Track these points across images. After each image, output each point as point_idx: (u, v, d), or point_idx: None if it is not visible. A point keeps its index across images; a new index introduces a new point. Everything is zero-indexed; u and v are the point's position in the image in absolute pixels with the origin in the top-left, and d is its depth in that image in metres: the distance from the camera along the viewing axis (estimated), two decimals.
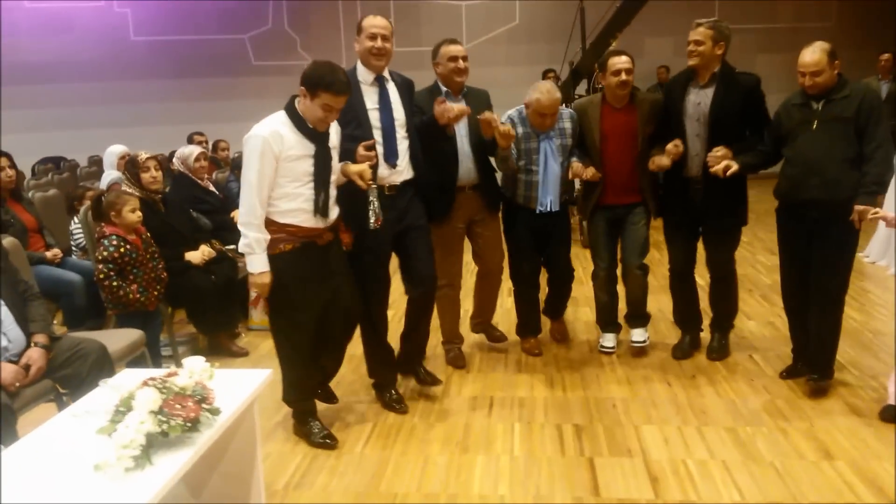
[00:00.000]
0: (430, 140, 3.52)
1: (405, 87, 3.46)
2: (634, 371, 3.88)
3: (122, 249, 3.80)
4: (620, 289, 4.11)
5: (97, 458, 1.91)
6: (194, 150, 5.11)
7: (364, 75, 3.29)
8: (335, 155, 3.07)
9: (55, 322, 4.60)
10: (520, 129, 3.85)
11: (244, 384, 2.53)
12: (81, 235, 4.59)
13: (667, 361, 3.99)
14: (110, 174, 5.72)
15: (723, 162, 3.51)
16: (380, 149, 3.26)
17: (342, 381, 3.86)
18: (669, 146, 3.65)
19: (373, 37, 3.22)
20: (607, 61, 3.84)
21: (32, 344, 2.82)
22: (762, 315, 4.70)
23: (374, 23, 3.26)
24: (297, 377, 3.16)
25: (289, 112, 2.93)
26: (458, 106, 3.37)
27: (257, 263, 2.93)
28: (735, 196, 3.72)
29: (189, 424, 2.06)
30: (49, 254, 4.35)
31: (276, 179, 2.90)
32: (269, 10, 9.68)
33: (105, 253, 3.78)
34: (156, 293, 3.95)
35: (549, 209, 3.89)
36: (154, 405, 2.05)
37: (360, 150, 3.15)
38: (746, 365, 3.90)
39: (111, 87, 9.51)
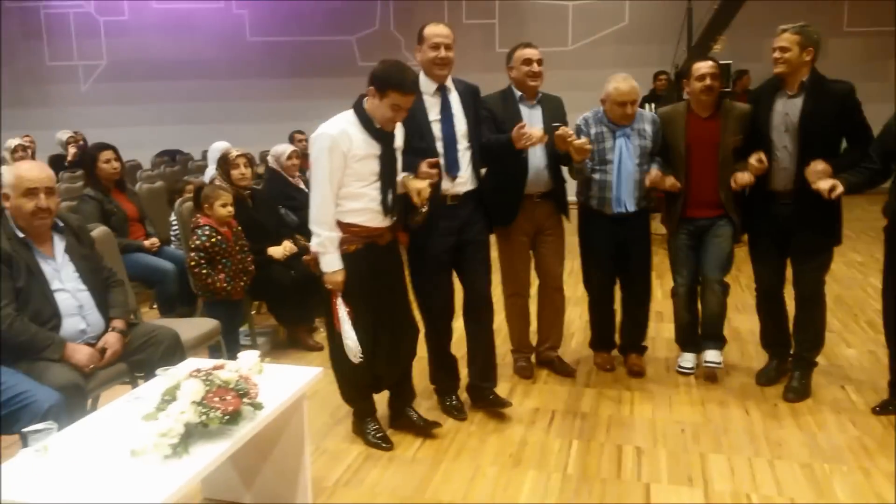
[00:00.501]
0: (502, 155, 3.46)
1: (469, 94, 3.37)
2: (711, 394, 3.67)
3: (213, 240, 4.00)
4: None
5: (137, 444, 2.00)
6: (287, 148, 5.31)
7: (426, 86, 3.22)
8: (399, 156, 3.08)
9: (153, 307, 4.92)
10: (594, 130, 3.73)
11: (293, 380, 2.60)
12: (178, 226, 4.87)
13: (748, 387, 3.75)
14: (212, 169, 6.02)
15: (828, 181, 3.22)
16: (441, 160, 3.20)
17: None
18: (752, 160, 3.46)
19: (436, 46, 3.17)
20: (692, 66, 3.69)
21: (111, 329, 2.99)
22: (863, 343, 4.34)
23: (437, 31, 3.21)
24: (351, 376, 3.16)
25: (357, 112, 2.94)
26: (536, 132, 3.27)
27: (331, 262, 2.96)
28: (827, 212, 3.42)
29: (227, 417, 2.13)
30: (147, 242, 4.62)
31: (343, 179, 2.92)
32: (377, 12, 9.90)
33: (197, 242, 3.99)
34: (242, 284, 4.12)
35: (624, 209, 3.70)
36: (196, 396, 2.14)
37: (423, 167, 3.08)
38: (837, 395, 3.61)
39: (227, 84, 10.03)
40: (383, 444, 3.20)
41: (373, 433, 3.24)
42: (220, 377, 2.21)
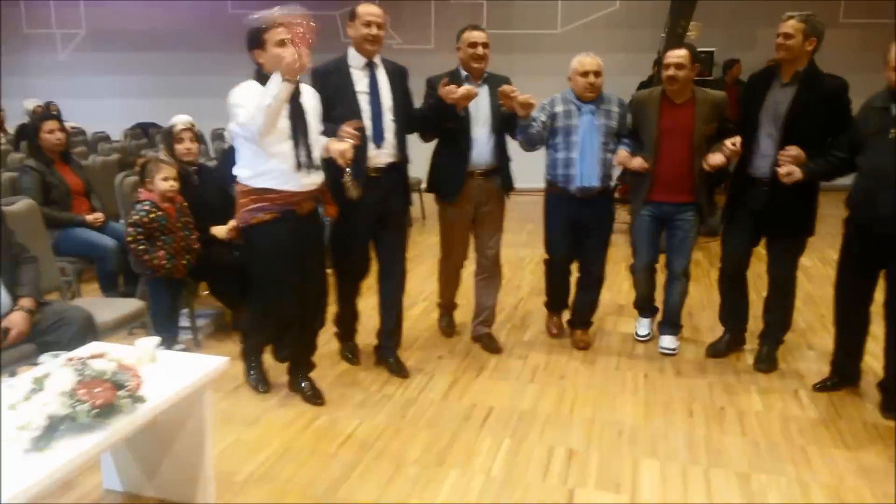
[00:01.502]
0: (439, 120, 3.60)
1: (397, 73, 3.54)
2: (657, 395, 3.53)
3: (151, 215, 3.83)
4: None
5: None
6: None
7: (355, 60, 3.42)
8: (314, 116, 3.13)
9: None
10: (560, 108, 3.82)
11: (192, 371, 2.44)
12: None
13: (697, 388, 3.60)
14: None
15: (786, 167, 3.30)
16: (368, 132, 3.35)
17: (340, 375, 3.76)
18: (727, 142, 3.54)
19: (368, 24, 3.36)
20: (664, 55, 3.76)
21: (17, 308, 2.84)
22: (826, 346, 4.16)
23: (370, 10, 3.37)
24: (258, 346, 3.51)
25: (258, 79, 3.03)
26: (463, 88, 3.43)
27: (276, 90, 2.83)
28: (802, 202, 3.50)
29: (96, 411, 1.98)
30: (90, 217, 4.47)
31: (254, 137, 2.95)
32: None
33: (136, 217, 3.83)
34: (184, 262, 3.96)
35: (587, 184, 3.77)
36: (66, 387, 1.99)
37: (346, 128, 3.13)
38: (788, 402, 3.45)
39: (207, 57, 9.75)
40: (260, 387, 3.48)
41: (254, 372, 3.53)
42: (95, 367, 2.06)
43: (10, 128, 7.77)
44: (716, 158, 3.57)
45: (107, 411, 2.01)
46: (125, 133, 8.29)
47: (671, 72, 3.64)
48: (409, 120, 3.58)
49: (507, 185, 3.95)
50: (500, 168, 3.87)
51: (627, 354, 4.04)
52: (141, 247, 3.81)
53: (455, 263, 4.09)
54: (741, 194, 3.68)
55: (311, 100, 3.15)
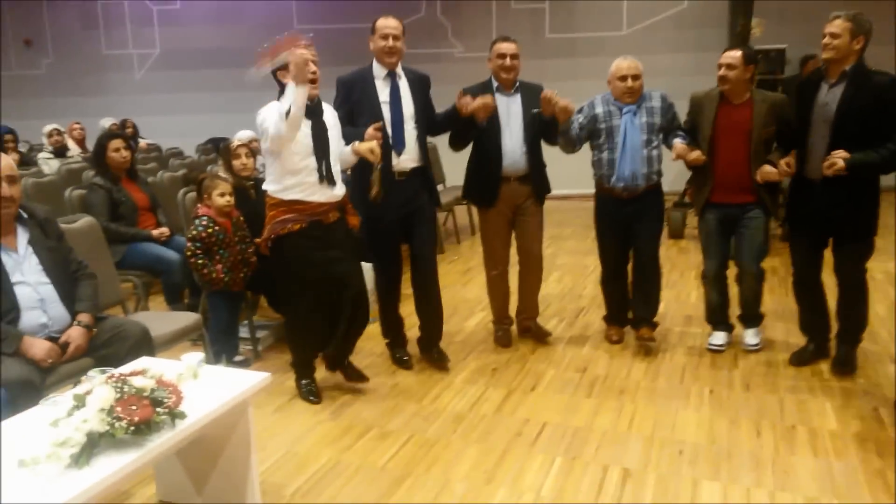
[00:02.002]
0: (459, 129, 3.84)
1: (418, 82, 3.75)
2: (722, 411, 3.34)
3: (209, 230, 3.92)
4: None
5: (29, 454, 1.89)
6: None
7: (378, 71, 3.65)
8: (335, 133, 3.38)
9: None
10: (601, 109, 3.90)
11: (234, 386, 2.45)
12: None
13: (767, 404, 3.39)
14: None
15: (829, 160, 3.26)
16: (390, 140, 3.58)
17: (393, 387, 3.72)
18: (782, 163, 3.60)
19: (385, 37, 3.56)
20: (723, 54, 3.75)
21: (75, 323, 2.92)
22: None
23: (387, 24, 3.58)
24: (307, 358, 3.56)
25: (280, 99, 3.24)
26: (480, 99, 3.62)
27: (295, 95, 3.05)
28: (862, 202, 3.42)
29: (134, 428, 2.00)
30: (155, 232, 4.59)
31: (283, 153, 3.20)
32: None
33: (194, 232, 3.93)
34: (241, 275, 4.02)
35: (631, 183, 3.83)
36: (105, 404, 2.01)
37: (370, 130, 3.43)
38: (866, 419, 3.21)
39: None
40: (311, 399, 3.53)
41: (305, 384, 3.58)
42: (134, 384, 2.08)
43: (91, 145, 8.14)
44: (770, 174, 3.63)
45: (143, 428, 2.03)
46: (197, 148, 8.56)
47: (721, 72, 3.69)
48: (430, 125, 3.82)
49: (541, 191, 4.07)
50: (533, 173, 3.98)
51: (693, 367, 3.85)
52: (199, 261, 3.90)
53: (500, 271, 4.15)
54: (799, 197, 3.65)
55: (331, 118, 3.40)
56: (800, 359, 3.82)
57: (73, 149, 7.85)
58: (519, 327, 4.34)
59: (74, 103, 10.44)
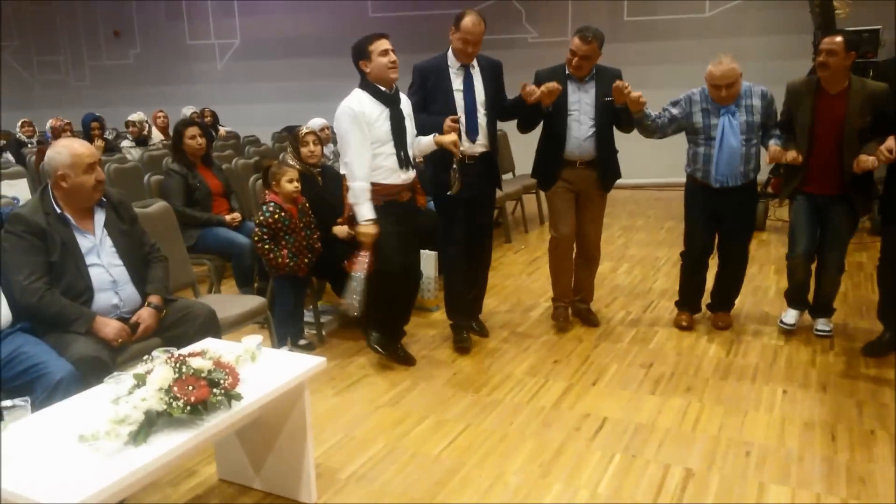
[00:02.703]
0: (527, 115, 3.93)
1: (490, 69, 3.86)
2: (795, 413, 3.17)
3: (276, 216, 3.99)
4: None
5: (89, 430, 1.96)
6: None
7: (452, 61, 3.76)
8: (410, 121, 3.58)
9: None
10: (700, 106, 3.87)
11: (290, 370, 2.48)
12: None
13: (844, 407, 3.20)
14: None
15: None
16: (462, 126, 3.69)
17: (452, 376, 3.71)
18: (883, 148, 3.39)
19: (465, 42, 3.64)
20: (820, 41, 3.62)
21: (146, 304, 3.03)
22: None
23: (472, 30, 3.62)
24: (389, 320, 3.80)
25: (363, 86, 3.51)
26: (545, 86, 3.69)
27: (363, 212, 3.47)
28: None
29: (190, 407, 2.05)
30: (228, 217, 4.72)
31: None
32: None
33: (261, 218, 4.01)
34: (306, 261, 4.09)
35: (726, 183, 3.83)
36: (164, 383, 2.07)
37: (447, 122, 3.57)
38: None
39: (350, 61, 10.13)
40: (408, 361, 3.79)
41: (400, 352, 3.81)
42: (193, 365, 2.13)
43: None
44: (867, 162, 3.47)
45: (199, 408, 2.08)
46: (273, 136, 8.76)
47: (822, 58, 3.56)
48: (500, 111, 3.92)
49: (608, 178, 4.07)
50: (601, 160, 4.00)
51: (766, 366, 3.68)
52: (266, 246, 3.98)
53: (564, 239, 4.13)
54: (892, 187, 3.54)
55: (406, 106, 3.60)
56: (874, 349, 3.72)
57: (157, 136, 8.17)
58: (572, 308, 4.40)
59: (160, 92, 10.87)
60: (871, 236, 5.99)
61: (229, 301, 3.63)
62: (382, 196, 3.50)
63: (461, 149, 3.62)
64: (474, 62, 3.78)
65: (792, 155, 3.71)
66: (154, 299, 3.05)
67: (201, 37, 11.16)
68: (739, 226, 3.99)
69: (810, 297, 4.07)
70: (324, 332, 4.34)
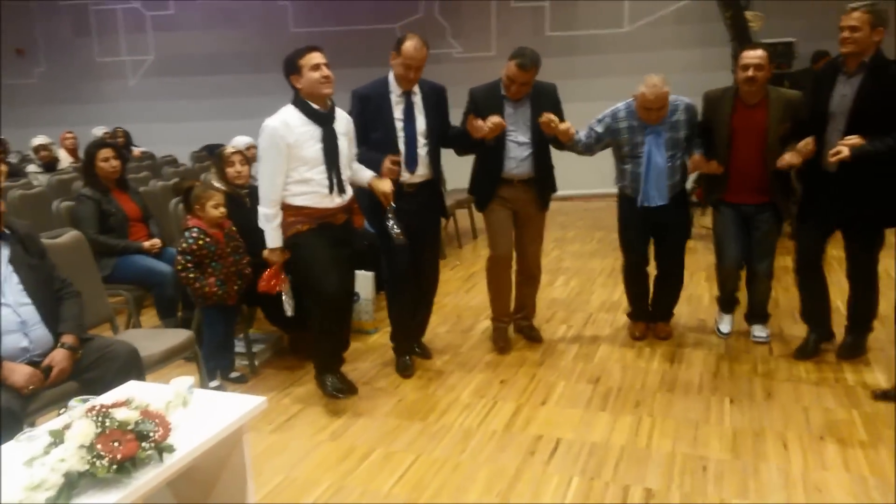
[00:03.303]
0: (469, 146, 3.83)
1: (433, 95, 3.69)
2: (745, 423, 3.16)
3: (200, 242, 3.75)
4: None
5: (4, 498, 1.72)
6: None
7: (394, 87, 3.59)
8: (345, 141, 3.35)
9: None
10: (625, 123, 3.82)
11: (228, 412, 2.27)
12: None
13: (791, 414, 3.22)
14: None
15: (836, 147, 3.22)
16: (402, 157, 3.57)
17: (396, 404, 3.55)
18: (800, 145, 3.47)
19: (408, 67, 3.47)
20: (741, 53, 3.63)
21: (59, 344, 2.75)
22: None
23: (415, 55, 3.45)
24: (329, 347, 3.49)
25: (295, 102, 3.25)
26: (491, 120, 3.57)
27: (270, 239, 3.30)
28: (878, 191, 3.32)
29: (116, 466, 1.82)
30: (147, 244, 4.42)
31: (289, 164, 3.21)
32: None
33: (184, 244, 3.76)
34: (236, 287, 3.85)
35: (654, 204, 3.79)
36: (85, 439, 1.84)
37: (387, 164, 3.45)
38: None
39: (272, 77, 9.80)
40: (339, 395, 3.46)
41: (330, 385, 3.46)
42: (117, 417, 1.90)
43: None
44: (792, 159, 3.50)
45: (129, 465, 1.86)
46: (191, 156, 8.39)
47: (750, 73, 3.55)
48: (443, 140, 3.77)
49: (545, 196, 3.98)
50: (538, 178, 3.89)
51: (711, 376, 3.68)
52: (191, 275, 3.73)
53: (502, 258, 4.02)
54: (813, 190, 3.59)
55: (343, 124, 3.37)
56: (803, 352, 3.79)
57: (65, 159, 7.68)
58: (514, 326, 4.30)
59: (69, 112, 10.28)
60: (791, 240, 6.18)
61: (152, 336, 3.37)
62: (315, 219, 3.30)
63: (401, 179, 3.55)
64: (416, 88, 3.61)
65: (714, 165, 3.73)
66: (68, 339, 2.77)
67: (111, 53, 10.64)
68: (674, 236, 3.99)
69: (743, 302, 4.13)
70: (256, 363, 4.10)
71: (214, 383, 3.79)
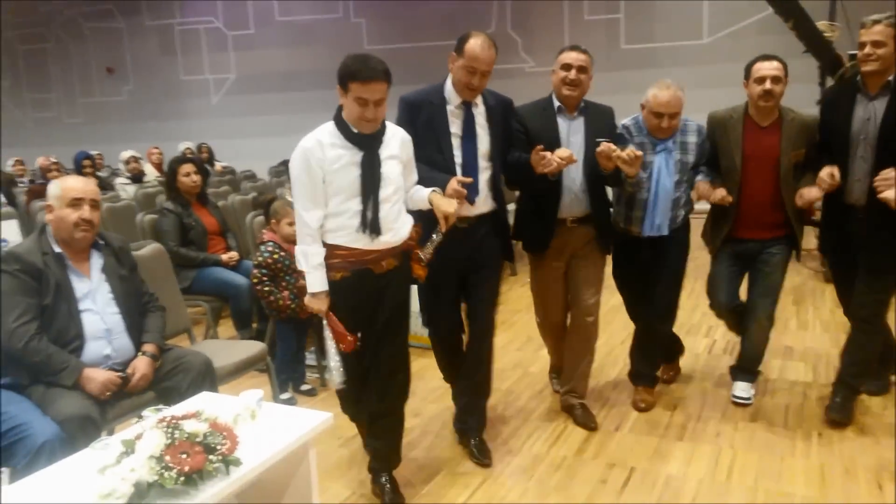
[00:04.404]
0: (528, 180, 3.08)
1: (499, 108, 3.04)
2: (834, 458, 2.95)
3: (275, 256, 3.82)
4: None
5: None
6: None
7: (451, 96, 2.93)
8: (393, 165, 2.65)
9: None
10: (634, 141, 3.27)
11: (294, 428, 2.26)
12: None
13: (885, 451, 2.99)
14: None
15: (888, 191, 2.80)
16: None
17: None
18: (823, 174, 3.01)
19: (472, 71, 2.82)
20: (752, 66, 3.20)
21: (141, 353, 2.83)
22: None
23: (479, 55, 2.80)
24: (354, 416, 2.93)
25: (336, 120, 2.62)
26: (560, 154, 2.91)
27: (311, 282, 2.63)
28: None
29: (184, 478, 1.83)
30: (224, 256, 4.53)
31: (325, 193, 2.59)
32: (493, 12, 9.53)
33: (260, 258, 3.83)
34: None
35: (657, 232, 3.27)
36: (155, 450, 1.86)
37: (454, 184, 2.74)
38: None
39: None
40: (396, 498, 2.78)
41: (388, 493, 2.79)
42: (186, 429, 1.92)
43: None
44: (812, 193, 3.09)
45: (197, 477, 1.86)
46: (270, 171, 8.62)
47: (768, 85, 3.10)
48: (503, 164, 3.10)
49: (607, 234, 3.34)
50: (596, 214, 3.26)
51: (797, 407, 3.47)
52: (266, 288, 3.79)
53: (554, 323, 3.50)
54: (839, 226, 3.20)
55: (395, 146, 2.67)
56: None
57: (151, 173, 8.01)
58: (562, 404, 3.54)
59: (154, 128, 10.76)
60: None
61: (227, 347, 3.42)
62: (352, 263, 2.61)
63: (460, 212, 2.78)
64: (478, 99, 2.97)
65: (721, 193, 3.23)
66: (150, 348, 2.85)
67: (195, 72, 11.09)
68: (667, 273, 3.40)
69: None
70: (326, 376, 4.12)
71: (286, 395, 3.83)
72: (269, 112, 10.65)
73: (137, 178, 7.57)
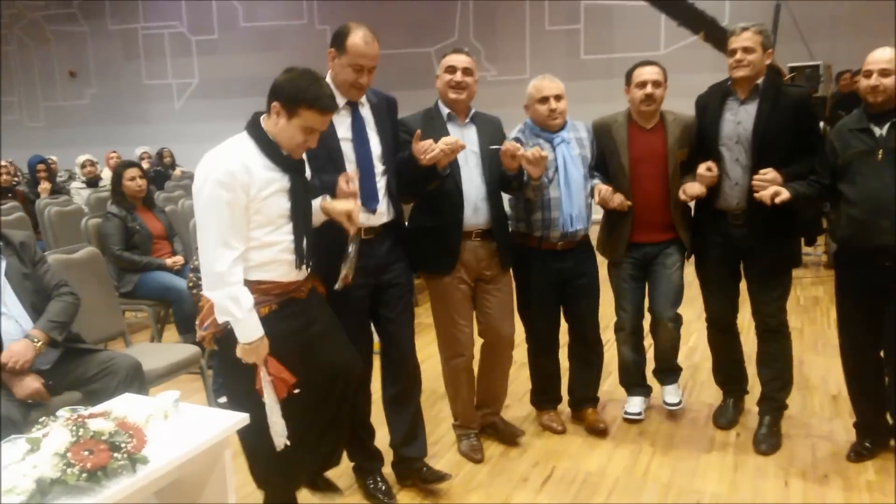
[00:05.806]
0: (418, 181, 2.78)
1: (384, 106, 2.76)
2: (748, 457, 3.07)
3: None
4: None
5: None
6: None
7: (337, 98, 2.51)
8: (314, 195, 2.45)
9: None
10: (529, 145, 3.08)
11: (209, 428, 2.31)
12: None
13: (797, 450, 3.11)
14: None
15: (771, 188, 2.83)
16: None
17: None
18: (702, 169, 3.05)
19: (359, 69, 2.52)
20: (633, 72, 3.22)
21: (24, 335, 2.74)
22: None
23: (364, 50, 2.52)
24: (287, 462, 2.48)
25: (254, 135, 2.28)
26: (445, 140, 2.66)
27: (247, 330, 2.24)
28: (783, 231, 3.06)
29: (86, 474, 1.88)
30: (169, 261, 4.56)
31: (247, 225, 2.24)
32: (456, 22, 9.64)
33: (197, 262, 3.85)
34: None
35: (575, 228, 3.11)
36: (61, 447, 1.91)
37: (342, 184, 2.47)
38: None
39: None
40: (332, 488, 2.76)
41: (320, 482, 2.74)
42: (92, 427, 1.97)
43: None
44: (694, 189, 3.08)
45: (101, 474, 1.91)
46: None
47: (648, 89, 3.10)
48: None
49: (508, 251, 3.11)
50: (496, 228, 3.04)
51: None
52: (202, 292, 3.81)
53: (463, 358, 3.10)
54: (711, 231, 3.20)
55: (308, 170, 2.45)
56: (727, 420, 3.40)
57: (108, 177, 7.99)
58: (482, 423, 3.34)
59: (116, 132, 10.72)
60: (826, 269, 6.02)
61: (161, 351, 3.46)
62: (277, 296, 2.34)
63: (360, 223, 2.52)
64: (363, 100, 2.69)
65: (619, 198, 3.16)
66: (34, 332, 2.75)
67: (159, 76, 11.08)
68: (587, 296, 3.31)
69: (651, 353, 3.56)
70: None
71: (223, 399, 3.86)
72: (232, 117, 10.57)
73: (93, 182, 7.55)
